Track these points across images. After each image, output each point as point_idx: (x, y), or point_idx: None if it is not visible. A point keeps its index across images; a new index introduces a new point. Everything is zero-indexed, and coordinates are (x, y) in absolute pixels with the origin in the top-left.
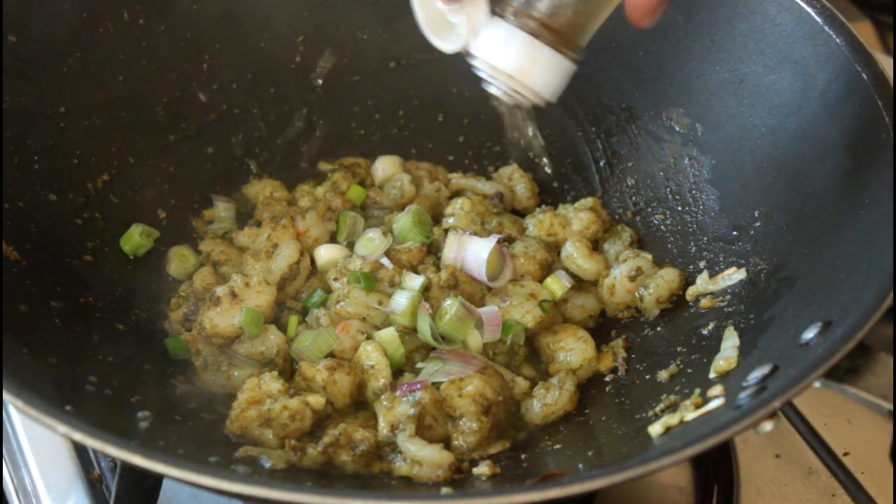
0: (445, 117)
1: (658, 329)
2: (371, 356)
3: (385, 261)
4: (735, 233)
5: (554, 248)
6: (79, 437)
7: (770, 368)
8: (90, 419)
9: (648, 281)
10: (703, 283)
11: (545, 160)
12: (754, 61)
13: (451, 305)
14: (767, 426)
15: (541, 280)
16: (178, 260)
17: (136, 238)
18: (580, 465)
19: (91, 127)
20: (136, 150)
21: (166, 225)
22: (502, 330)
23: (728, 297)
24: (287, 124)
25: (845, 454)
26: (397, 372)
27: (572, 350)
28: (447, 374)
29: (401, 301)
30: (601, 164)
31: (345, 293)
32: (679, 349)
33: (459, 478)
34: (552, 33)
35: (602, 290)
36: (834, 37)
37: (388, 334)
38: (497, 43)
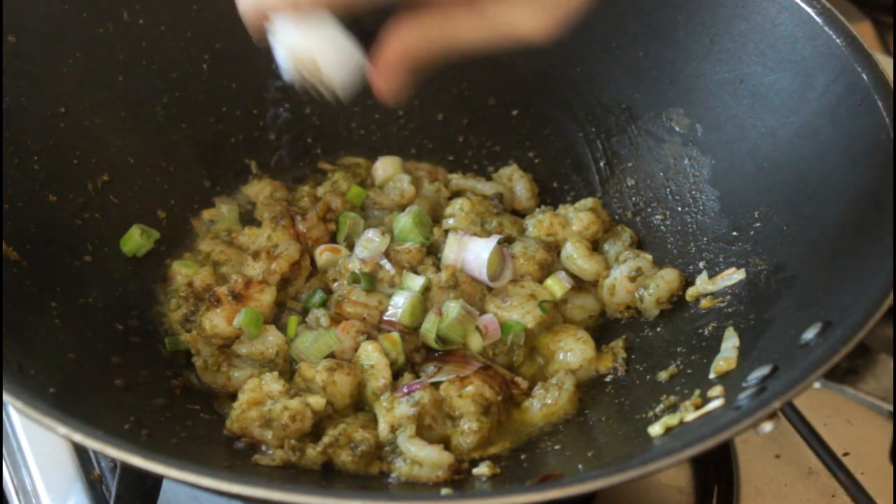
0: (445, 117)
1: (658, 329)
2: (371, 356)
3: (385, 263)
4: (735, 233)
5: (554, 248)
6: (79, 438)
7: (770, 369)
8: (90, 420)
9: (648, 281)
10: (702, 283)
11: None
12: (754, 61)
13: (452, 308)
14: (767, 427)
15: (541, 280)
16: (184, 274)
17: (136, 239)
18: (580, 466)
19: (91, 127)
20: (136, 150)
21: (166, 225)
22: (502, 330)
23: (728, 297)
24: (287, 124)
25: (845, 454)
26: (397, 372)
27: (572, 350)
28: (447, 375)
29: (401, 301)
30: (601, 164)
31: (345, 294)
32: (679, 350)
33: (459, 478)
34: None
35: (602, 290)
36: (834, 37)
37: (391, 339)
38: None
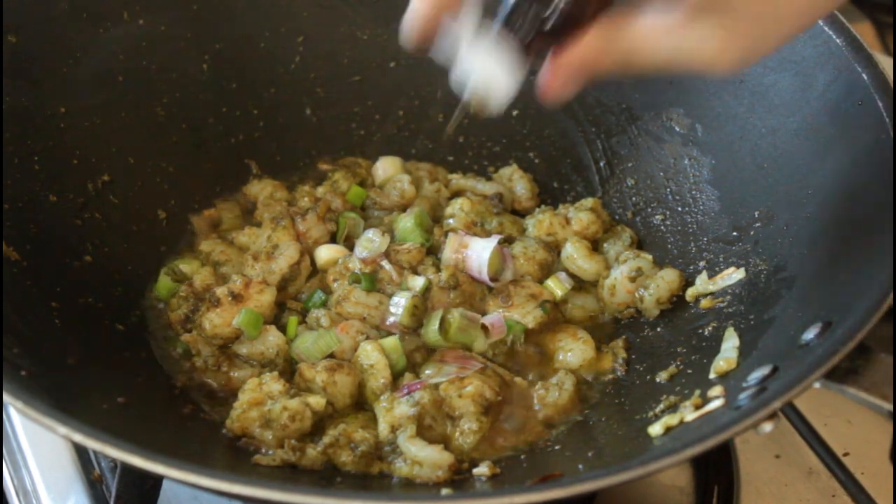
0: (445, 117)
1: (658, 330)
2: (370, 356)
3: (385, 264)
4: (735, 233)
5: (554, 248)
6: (79, 438)
7: (770, 369)
8: (90, 420)
9: (648, 281)
10: (702, 283)
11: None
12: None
13: (452, 320)
14: (767, 427)
15: (541, 280)
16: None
17: (168, 283)
18: (580, 466)
19: (91, 127)
20: (136, 150)
21: (166, 225)
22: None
23: (728, 297)
24: (287, 124)
25: (845, 454)
26: (397, 374)
27: (572, 350)
28: (447, 375)
29: (401, 302)
30: (601, 164)
31: (345, 294)
32: (679, 350)
33: (459, 478)
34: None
35: (602, 290)
36: (834, 37)
37: (391, 343)
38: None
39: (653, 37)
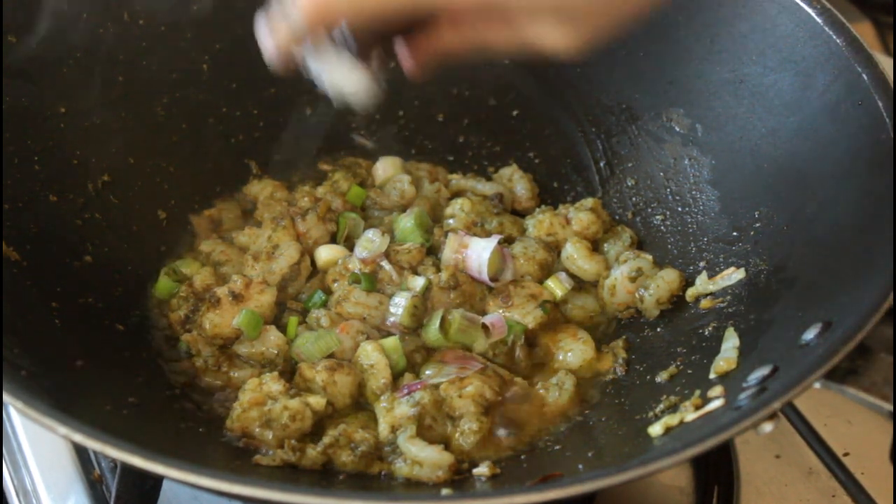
0: (445, 117)
1: (658, 330)
2: (371, 356)
3: (385, 264)
4: (735, 233)
5: (554, 248)
6: (79, 438)
7: (770, 369)
8: (90, 420)
9: (648, 282)
10: (702, 283)
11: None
12: (754, 62)
13: (452, 321)
14: (768, 427)
15: (541, 280)
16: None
17: (167, 283)
18: (580, 466)
19: (91, 127)
20: (136, 150)
21: (166, 225)
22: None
23: (728, 297)
24: (287, 124)
25: (845, 454)
26: (398, 374)
27: (572, 350)
28: (447, 375)
29: (401, 302)
30: (601, 164)
31: (345, 294)
32: (679, 350)
33: (459, 478)
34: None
35: (602, 290)
36: (834, 37)
37: (391, 343)
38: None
39: (500, 29)
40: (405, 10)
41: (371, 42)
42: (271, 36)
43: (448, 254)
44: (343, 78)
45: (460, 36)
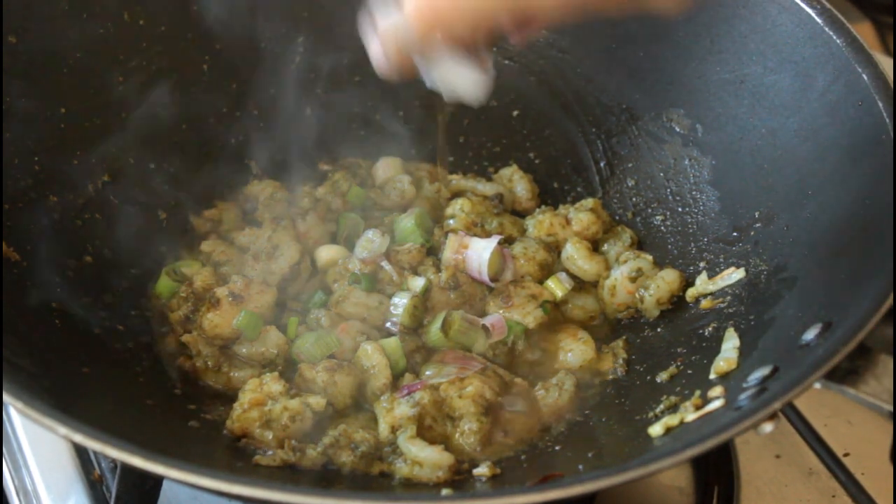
0: (445, 117)
1: (658, 330)
2: (371, 357)
3: (385, 264)
4: (735, 233)
5: (554, 248)
6: (79, 438)
7: (770, 369)
8: (90, 420)
9: (649, 282)
10: (703, 283)
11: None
12: (755, 62)
13: (452, 322)
14: (768, 427)
15: (541, 281)
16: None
17: (168, 282)
18: (580, 466)
19: (91, 127)
20: (136, 150)
21: (166, 225)
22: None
23: (728, 297)
24: (287, 124)
25: (845, 455)
26: (398, 374)
27: (572, 350)
28: (447, 375)
29: (401, 302)
30: (601, 164)
31: (345, 294)
32: (679, 350)
33: (459, 479)
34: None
35: (602, 290)
36: (834, 37)
37: (392, 343)
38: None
39: None
40: (513, 8)
41: (479, 38)
42: (381, 46)
43: (448, 254)
44: (457, 78)
45: (564, 5)
